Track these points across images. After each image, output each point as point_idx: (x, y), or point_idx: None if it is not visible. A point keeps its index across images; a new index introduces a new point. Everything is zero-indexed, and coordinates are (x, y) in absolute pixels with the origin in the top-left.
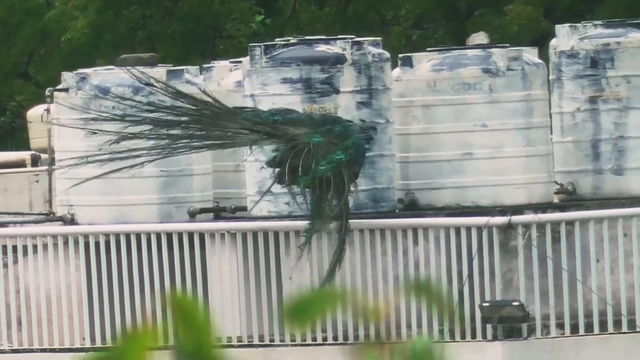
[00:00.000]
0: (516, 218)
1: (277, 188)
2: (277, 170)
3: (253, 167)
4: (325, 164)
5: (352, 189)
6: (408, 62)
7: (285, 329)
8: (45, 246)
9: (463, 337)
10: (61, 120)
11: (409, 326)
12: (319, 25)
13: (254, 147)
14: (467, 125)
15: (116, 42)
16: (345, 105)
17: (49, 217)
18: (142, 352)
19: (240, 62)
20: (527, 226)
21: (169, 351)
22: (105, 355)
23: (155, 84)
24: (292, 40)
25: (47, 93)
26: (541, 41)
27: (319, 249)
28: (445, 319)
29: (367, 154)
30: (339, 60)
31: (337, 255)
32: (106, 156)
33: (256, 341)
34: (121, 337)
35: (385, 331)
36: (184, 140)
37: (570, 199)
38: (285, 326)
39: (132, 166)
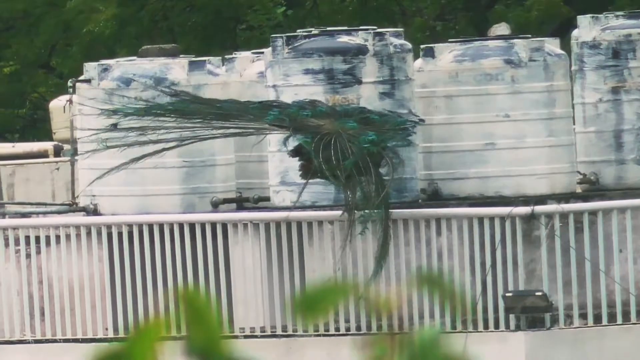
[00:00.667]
0: (539, 208)
1: (300, 178)
2: (307, 161)
3: (276, 157)
4: (366, 145)
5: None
6: (430, 53)
7: (297, 320)
8: (68, 237)
9: (486, 327)
10: (83, 110)
11: (422, 318)
12: (340, 17)
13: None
14: (490, 115)
15: (138, 34)
16: (367, 96)
17: (72, 207)
18: (152, 344)
19: (262, 53)
20: (550, 216)
21: (180, 344)
22: (118, 347)
23: (185, 97)
24: (314, 31)
25: (69, 84)
26: (563, 32)
27: (343, 239)
28: (457, 311)
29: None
30: (361, 51)
31: (383, 247)
32: (129, 140)
33: (279, 332)
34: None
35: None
36: (208, 130)
37: (593, 189)
38: (296, 317)
39: (155, 152)
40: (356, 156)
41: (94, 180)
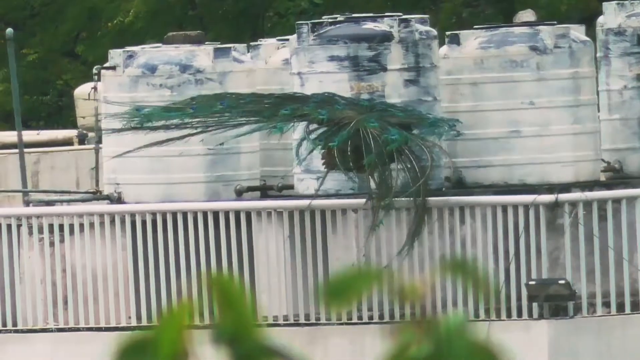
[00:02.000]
0: (563, 196)
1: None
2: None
3: (301, 145)
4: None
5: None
6: (455, 40)
7: (323, 308)
8: (91, 225)
9: (509, 315)
10: (109, 98)
11: (452, 305)
12: (372, 5)
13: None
14: (515, 102)
15: (167, 23)
16: (392, 83)
17: (96, 195)
18: (179, 330)
19: (287, 40)
20: (574, 204)
21: (208, 331)
22: (143, 334)
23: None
24: (340, 17)
25: (94, 71)
26: (589, 19)
27: (366, 227)
28: (483, 298)
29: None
30: (386, 37)
31: (416, 229)
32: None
33: (302, 320)
34: (159, 316)
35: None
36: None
37: (618, 176)
38: (323, 305)
39: (178, 138)
40: (377, 150)
41: (113, 157)
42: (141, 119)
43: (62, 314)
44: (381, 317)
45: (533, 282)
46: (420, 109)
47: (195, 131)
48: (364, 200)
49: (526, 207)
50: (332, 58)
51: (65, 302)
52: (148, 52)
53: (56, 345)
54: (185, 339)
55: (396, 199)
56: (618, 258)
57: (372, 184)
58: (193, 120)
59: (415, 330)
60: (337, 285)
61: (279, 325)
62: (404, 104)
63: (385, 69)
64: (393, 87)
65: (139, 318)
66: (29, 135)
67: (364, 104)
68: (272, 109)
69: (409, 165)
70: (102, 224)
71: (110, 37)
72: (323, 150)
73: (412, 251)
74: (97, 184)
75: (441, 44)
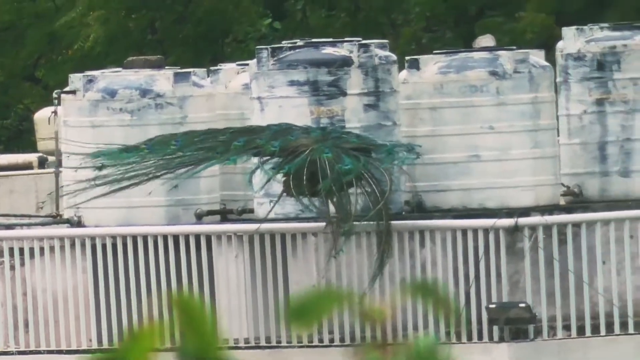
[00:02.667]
0: (523, 220)
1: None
2: (288, 180)
3: (254, 173)
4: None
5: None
6: (415, 65)
7: (290, 329)
8: (52, 248)
9: (470, 338)
10: (68, 122)
11: (414, 328)
12: (331, 30)
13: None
14: (474, 127)
15: (127, 47)
16: (352, 108)
17: (56, 219)
18: (144, 353)
19: (247, 64)
20: (533, 228)
21: (173, 352)
22: (108, 356)
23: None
24: (299, 42)
25: (54, 95)
26: (548, 44)
27: (327, 251)
28: (450, 321)
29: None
30: (346, 62)
31: (381, 256)
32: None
33: (263, 342)
34: (124, 338)
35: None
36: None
37: (577, 200)
38: (289, 326)
39: (136, 183)
40: (332, 176)
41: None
42: (100, 160)
43: (23, 336)
44: (342, 339)
45: (493, 306)
46: (379, 134)
47: (149, 176)
48: (323, 224)
49: (486, 231)
50: (291, 83)
51: (26, 325)
52: (108, 77)
53: None
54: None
55: (356, 223)
56: (578, 281)
57: (331, 209)
58: (148, 163)
59: (379, 353)
60: (300, 307)
61: (239, 347)
62: (363, 129)
63: (345, 94)
64: (353, 112)
65: (99, 341)
66: None
67: (316, 133)
68: (225, 144)
69: (368, 190)
70: (62, 247)
71: (72, 62)
72: (284, 178)
73: (376, 275)
74: (57, 208)
75: (401, 68)
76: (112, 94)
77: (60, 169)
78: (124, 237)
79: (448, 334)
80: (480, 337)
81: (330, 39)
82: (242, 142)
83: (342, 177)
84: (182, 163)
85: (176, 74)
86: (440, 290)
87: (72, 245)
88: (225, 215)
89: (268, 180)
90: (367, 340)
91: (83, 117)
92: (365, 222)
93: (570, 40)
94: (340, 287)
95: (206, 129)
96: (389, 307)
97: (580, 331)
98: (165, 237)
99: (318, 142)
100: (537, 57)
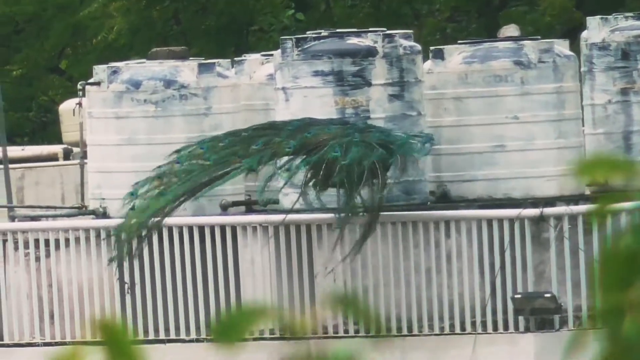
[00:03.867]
0: (548, 210)
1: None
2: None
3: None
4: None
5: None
6: (439, 55)
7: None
8: (77, 240)
9: (495, 328)
10: (93, 113)
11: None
12: (354, 21)
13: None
14: (499, 117)
15: (150, 38)
16: (377, 98)
17: (81, 210)
18: None
19: (271, 55)
20: (559, 218)
21: None
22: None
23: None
24: (324, 33)
25: (79, 87)
26: (573, 33)
27: (352, 241)
28: (371, 331)
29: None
30: (371, 52)
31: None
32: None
33: (288, 333)
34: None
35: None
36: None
37: (603, 190)
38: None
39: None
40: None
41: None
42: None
43: (49, 328)
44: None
45: (519, 296)
46: (404, 124)
47: (184, 198)
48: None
49: (511, 221)
50: (316, 73)
51: (52, 317)
52: (132, 68)
53: None
54: None
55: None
56: None
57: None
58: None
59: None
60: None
61: (265, 339)
62: (388, 119)
63: (369, 84)
64: (377, 102)
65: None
66: (14, 151)
67: (335, 128)
68: (245, 146)
69: (375, 182)
70: (87, 238)
71: (96, 53)
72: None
73: (399, 265)
74: (82, 199)
75: (425, 58)
76: (136, 85)
77: (85, 161)
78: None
79: (474, 324)
80: (505, 328)
81: (355, 30)
82: (260, 144)
83: (352, 172)
84: (207, 178)
85: (200, 65)
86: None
87: (98, 236)
88: (250, 206)
89: (285, 183)
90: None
91: (107, 109)
92: (387, 213)
93: (595, 29)
94: (264, 302)
95: (227, 132)
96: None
97: None
98: (190, 228)
99: (336, 137)
100: (561, 46)
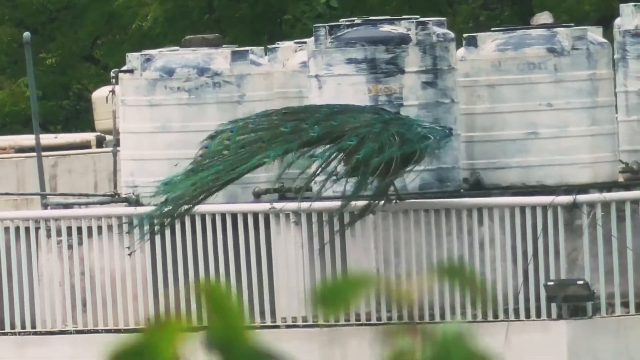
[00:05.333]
0: (581, 197)
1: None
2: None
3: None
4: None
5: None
6: (473, 42)
7: (319, 314)
8: (109, 227)
9: (528, 316)
10: (126, 101)
11: (442, 309)
12: (388, 8)
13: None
14: (532, 104)
15: (185, 27)
16: (410, 85)
17: (114, 198)
18: (174, 336)
19: (304, 42)
20: (592, 205)
21: (200, 338)
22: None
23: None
24: (357, 20)
25: (112, 74)
26: (605, 20)
27: (385, 229)
28: (478, 302)
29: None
30: (404, 40)
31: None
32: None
33: (321, 321)
34: (151, 325)
35: (416, 315)
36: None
37: (636, 177)
38: (318, 311)
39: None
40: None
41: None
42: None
43: (81, 316)
44: (400, 317)
45: (551, 283)
46: (437, 111)
47: (213, 189)
48: (382, 202)
49: (544, 208)
50: (349, 61)
51: (84, 305)
52: (165, 56)
53: (75, 347)
54: (179, 346)
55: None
56: (636, 258)
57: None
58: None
59: (411, 335)
60: (332, 290)
61: (297, 326)
62: (421, 107)
63: (402, 72)
64: (410, 90)
65: (148, 320)
66: (47, 139)
67: (363, 117)
68: (273, 130)
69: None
70: (120, 226)
71: (131, 42)
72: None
73: (432, 253)
74: (115, 187)
75: (458, 46)
76: (169, 72)
77: (118, 148)
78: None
79: (506, 311)
80: (538, 315)
81: (388, 17)
82: (289, 127)
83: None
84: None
85: (234, 53)
86: (473, 273)
87: (130, 224)
88: (283, 193)
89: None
90: (403, 320)
91: (141, 96)
92: (420, 200)
93: (628, 16)
94: (369, 271)
95: (259, 112)
96: (417, 289)
97: (639, 308)
98: (223, 216)
99: (360, 127)
100: (594, 33)
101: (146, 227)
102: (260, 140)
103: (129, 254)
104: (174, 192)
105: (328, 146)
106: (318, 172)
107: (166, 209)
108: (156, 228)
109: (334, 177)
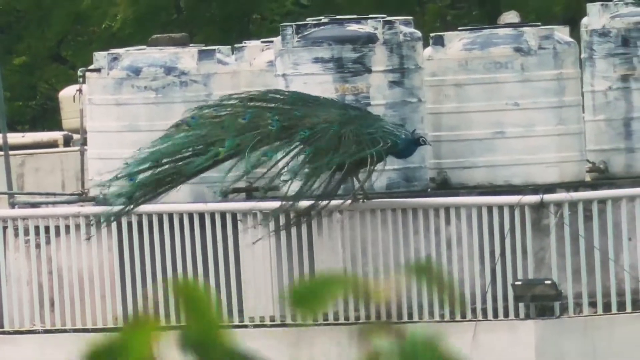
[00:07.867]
0: (548, 197)
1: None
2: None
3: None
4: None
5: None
6: (440, 42)
7: (294, 314)
8: (77, 227)
9: (495, 315)
10: (93, 100)
11: (410, 309)
12: (358, 8)
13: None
14: (499, 104)
15: (154, 27)
16: (377, 85)
17: (82, 197)
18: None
19: (271, 42)
20: (559, 205)
21: (176, 337)
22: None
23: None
24: (324, 19)
25: (79, 73)
26: (573, 20)
27: (352, 228)
28: (446, 301)
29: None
30: (371, 39)
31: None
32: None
33: (289, 321)
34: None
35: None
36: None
37: (602, 177)
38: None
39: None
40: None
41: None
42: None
43: (49, 315)
44: (368, 317)
45: (519, 283)
46: (404, 110)
47: (175, 183)
48: (349, 201)
49: (511, 207)
50: (316, 60)
51: (52, 304)
52: (132, 55)
53: (43, 347)
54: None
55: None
56: (604, 258)
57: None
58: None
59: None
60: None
61: (265, 326)
62: (388, 106)
63: (369, 71)
64: (377, 89)
65: (125, 319)
66: (15, 138)
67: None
68: (232, 118)
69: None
70: (88, 225)
71: (99, 42)
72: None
73: (399, 252)
74: (82, 186)
75: (425, 45)
76: (136, 71)
77: (85, 147)
78: (150, 215)
79: (474, 311)
80: (506, 315)
81: (355, 16)
82: (247, 117)
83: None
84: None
85: (200, 52)
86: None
87: (98, 222)
88: (250, 193)
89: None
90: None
91: (108, 95)
92: (387, 200)
93: (595, 16)
94: (344, 270)
95: (225, 96)
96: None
97: (607, 308)
98: (190, 215)
99: (323, 123)
100: (562, 33)
101: (108, 219)
102: (220, 127)
103: (87, 239)
104: (134, 183)
105: (284, 141)
106: (284, 170)
107: (125, 200)
108: (112, 218)
109: (293, 175)
